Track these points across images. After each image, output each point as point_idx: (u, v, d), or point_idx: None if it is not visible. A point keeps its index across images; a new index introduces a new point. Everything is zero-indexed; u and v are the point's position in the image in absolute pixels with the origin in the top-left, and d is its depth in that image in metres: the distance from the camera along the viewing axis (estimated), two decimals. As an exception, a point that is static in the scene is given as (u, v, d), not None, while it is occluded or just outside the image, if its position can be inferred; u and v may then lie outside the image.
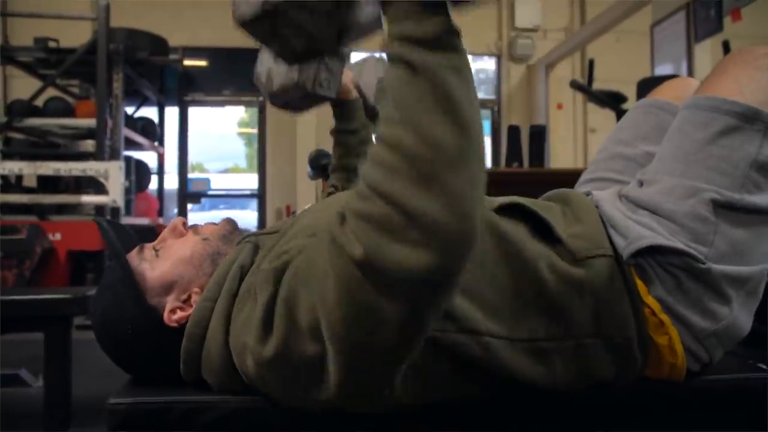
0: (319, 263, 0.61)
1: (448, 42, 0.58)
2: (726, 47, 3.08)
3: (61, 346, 1.69)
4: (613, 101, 3.29)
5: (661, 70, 3.98)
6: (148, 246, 0.87)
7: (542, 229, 0.79)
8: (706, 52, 3.67)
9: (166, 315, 0.81)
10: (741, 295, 0.79)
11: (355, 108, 1.21)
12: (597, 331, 0.75)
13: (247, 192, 6.61)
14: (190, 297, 0.83)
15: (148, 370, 0.86)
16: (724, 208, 0.78)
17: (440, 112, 0.56)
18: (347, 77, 1.17)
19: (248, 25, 0.66)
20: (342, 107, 1.21)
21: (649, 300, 0.77)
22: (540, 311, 0.74)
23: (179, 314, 0.81)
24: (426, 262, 0.55)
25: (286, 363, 0.67)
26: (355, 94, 1.20)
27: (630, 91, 3.33)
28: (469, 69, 0.60)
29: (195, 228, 0.90)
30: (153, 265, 0.84)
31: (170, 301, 0.82)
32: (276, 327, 0.66)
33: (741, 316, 0.80)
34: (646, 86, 3.07)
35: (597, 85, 3.58)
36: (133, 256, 0.86)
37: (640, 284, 0.77)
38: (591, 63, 3.60)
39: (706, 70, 3.57)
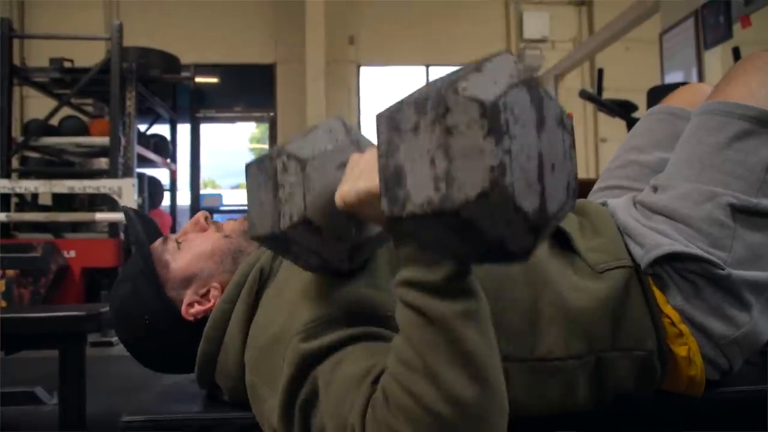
0: (337, 418, 0.59)
1: (461, 287, 0.55)
2: (736, 54, 3.06)
3: (75, 363, 1.69)
4: (624, 110, 3.28)
5: (671, 78, 3.95)
6: (171, 238, 0.88)
7: (561, 240, 0.79)
8: (717, 58, 3.65)
9: (183, 308, 0.82)
10: (761, 302, 0.78)
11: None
12: (616, 344, 0.74)
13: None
14: (208, 291, 0.83)
15: (161, 361, 0.86)
16: (741, 212, 0.78)
17: (459, 366, 0.53)
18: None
19: (262, 241, 0.66)
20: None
21: (668, 310, 0.76)
22: (560, 328, 0.73)
23: (197, 308, 0.82)
24: None
25: None
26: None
27: (640, 100, 3.32)
28: (485, 309, 0.57)
29: (217, 224, 0.90)
30: (174, 257, 0.85)
31: (189, 295, 0.83)
32: (295, 425, 0.65)
33: (761, 322, 0.78)
34: (657, 95, 3.05)
35: (607, 95, 3.57)
36: (155, 247, 0.86)
37: (658, 294, 0.77)
38: (600, 73, 3.59)
39: (716, 77, 3.53)
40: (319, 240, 0.63)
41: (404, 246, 0.56)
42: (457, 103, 0.46)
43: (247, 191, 0.67)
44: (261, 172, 0.65)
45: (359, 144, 0.66)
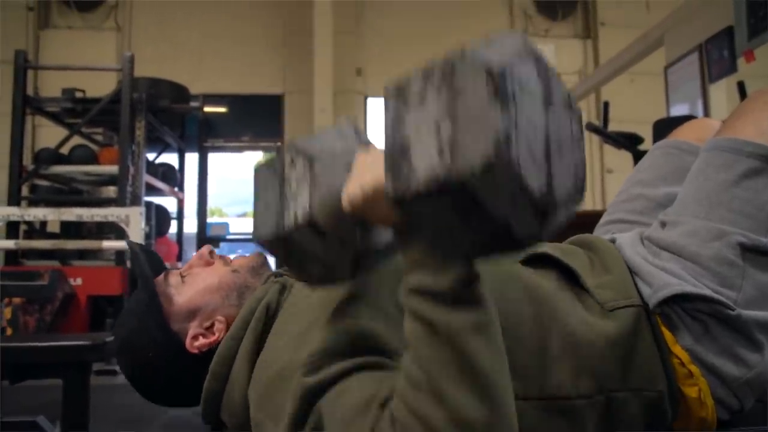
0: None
1: (470, 296, 0.53)
2: (741, 88, 3.08)
3: (79, 392, 1.68)
4: (630, 143, 3.29)
5: (677, 110, 3.98)
6: (175, 272, 0.88)
7: (570, 277, 0.78)
8: (722, 91, 3.67)
9: (188, 341, 0.81)
10: None
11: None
12: (626, 384, 0.73)
13: (265, 236, 6.63)
14: (213, 325, 0.83)
15: (165, 395, 0.85)
16: (751, 251, 0.77)
17: (467, 385, 0.51)
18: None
19: (264, 245, 0.65)
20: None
21: (677, 350, 0.75)
22: (569, 366, 0.72)
23: (201, 341, 0.81)
24: None
25: None
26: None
27: (646, 132, 3.33)
28: (495, 321, 0.55)
29: (225, 259, 0.90)
30: (179, 290, 0.85)
31: (193, 328, 0.82)
32: None
33: None
34: (662, 127, 3.06)
35: (612, 126, 3.58)
36: (159, 281, 0.86)
37: (667, 334, 0.76)
38: (606, 105, 3.61)
39: (721, 110, 3.56)
40: (323, 244, 0.60)
41: (410, 249, 0.54)
42: (465, 66, 0.46)
43: (254, 194, 0.66)
44: (269, 171, 0.64)
45: (368, 148, 0.64)
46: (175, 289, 0.85)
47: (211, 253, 0.90)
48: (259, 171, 0.66)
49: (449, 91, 0.46)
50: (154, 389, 0.85)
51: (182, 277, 0.86)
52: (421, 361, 0.53)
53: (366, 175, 0.55)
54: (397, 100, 0.51)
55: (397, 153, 0.50)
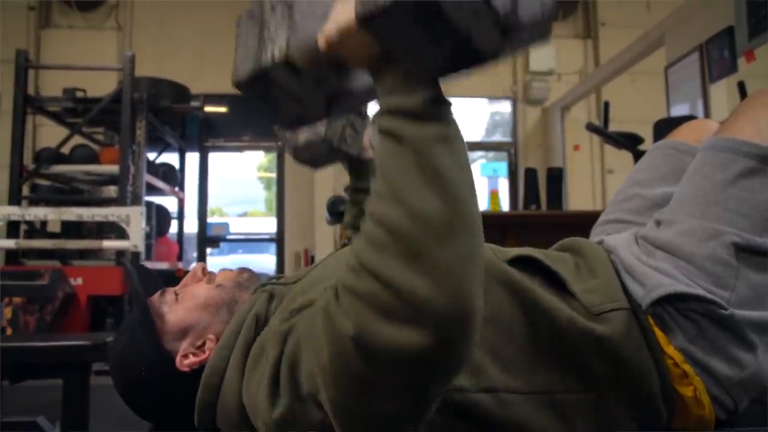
0: (317, 329, 0.60)
1: (437, 112, 0.57)
2: (741, 87, 3.08)
3: (79, 393, 1.68)
4: (630, 143, 3.29)
5: (677, 110, 3.98)
6: (170, 290, 0.89)
7: (556, 283, 0.78)
8: (722, 91, 3.67)
9: (178, 360, 0.82)
10: (765, 342, 0.77)
11: (370, 167, 1.20)
12: (618, 385, 0.73)
13: (266, 236, 6.66)
14: (204, 344, 0.83)
15: (159, 414, 0.85)
16: (745, 251, 0.77)
17: (426, 184, 0.54)
18: (365, 136, 1.18)
19: (243, 87, 0.67)
20: (359, 166, 1.19)
21: (670, 350, 0.75)
22: (557, 363, 0.72)
23: (191, 359, 0.82)
24: (418, 342, 0.52)
25: (292, 428, 0.65)
26: (371, 152, 1.20)
27: (646, 131, 3.33)
28: (460, 138, 0.58)
29: (210, 275, 0.91)
30: (172, 308, 0.85)
31: (184, 346, 0.83)
32: (282, 391, 0.65)
33: (766, 363, 0.77)
34: (663, 127, 3.07)
35: (613, 126, 3.58)
36: (154, 300, 0.87)
37: (659, 334, 0.76)
38: (606, 105, 3.61)
39: (722, 110, 3.56)
40: (299, 82, 0.64)
41: (382, 77, 0.58)
42: None
43: (236, 41, 0.68)
44: (251, 18, 0.67)
45: None
46: (168, 307, 0.86)
47: (203, 270, 0.91)
48: (241, 20, 0.69)
49: None
50: (146, 407, 0.86)
51: (176, 295, 0.87)
52: (386, 174, 0.56)
53: (341, 14, 0.58)
54: None
55: None
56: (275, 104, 0.69)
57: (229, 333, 0.80)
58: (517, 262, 0.79)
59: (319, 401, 0.61)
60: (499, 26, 0.50)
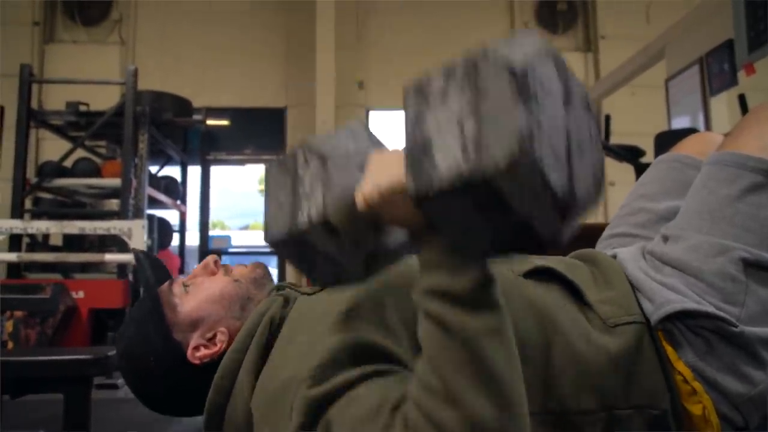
0: None
1: (486, 299, 0.54)
2: (742, 100, 3.09)
3: (80, 407, 1.67)
4: (631, 155, 3.30)
5: (678, 123, 3.99)
6: (179, 281, 0.88)
7: (573, 292, 0.78)
8: (723, 104, 3.68)
9: (189, 351, 0.81)
10: None
11: None
12: (628, 401, 0.73)
13: (268, 249, 6.63)
14: (215, 336, 0.82)
15: (165, 404, 0.85)
16: (753, 267, 0.77)
17: (481, 388, 0.51)
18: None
19: (278, 246, 0.64)
20: None
21: (680, 366, 0.75)
22: (570, 381, 0.72)
23: (203, 351, 0.81)
24: None
25: None
26: None
27: (647, 144, 3.34)
28: (508, 326, 0.55)
29: (226, 268, 0.90)
30: (182, 300, 0.85)
31: (195, 338, 0.82)
32: None
33: None
34: (664, 140, 3.07)
35: (614, 139, 3.59)
36: (164, 290, 0.86)
37: (669, 350, 0.75)
38: (607, 118, 3.62)
39: (723, 123, 3.57)
40: (336, 244, 0.60)
41: (427, 250, 0.54)
42: (487, 65, 0.46)
43: (266, 193, 0.65)
44: (282, 170, 0.63)
45: (381, 148, 0.65)
46: (178, 299, 0.85)
47: (215, 262, 0.90)
48: (272, 170, 0.65)
49: (472, 90, 0.47)
50: (154, 398, 0.85)
51: (186, 286, 0.86)
52: (436, 365, 0.53)
53: (382, 174, 0.55)
54: (418, 98, 0.51)
55: (418, 151, 0.50)
56: (310, 264, 0.65)
57: (242, 335, 0.79)
58: (534, 273, 0.79)
59: None
60: (558, 208, 0.47)
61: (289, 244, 0.63)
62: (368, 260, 0.63)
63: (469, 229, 0.51)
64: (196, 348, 0.82)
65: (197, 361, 0.81)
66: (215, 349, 0.81)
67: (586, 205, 0.50)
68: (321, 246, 0.61)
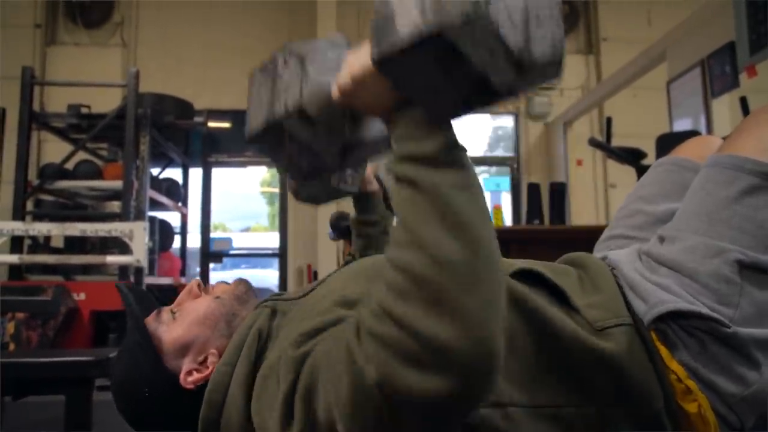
0: (337, 365, 0.59)
1: (453, 158, 0.58)
2: (743, 102, 3.09)
3: (81, 409, 1.67)
4: (633, 158, 3.29)
5: (680, 125, 3.99)
6: (166, 309, 0.88)
7: (559, 297, 0.78)
8: (725, 106, 3.68)
9: (182, 377, 0.82)
10: None
11: (375, 200, 1.18)
12: (621, 401, 0.73)
13: (269, 251, 6.66)
14: (206, 359, 0.83)
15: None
16: (749, 269, 0.77)
17: (447, 231, 0.54)
18: (367, 168, 1.17)
19: (256, 140, 0.68)
20: (362, 199, 1.16)
21: (674, 365, 0.75)
22: (560, 377, 0.72)
23: (195, 376, 0.81)
24: (442, 389, 0.52)
25: None
26: (375, 185, 1.18)
27: (648, 146, 3.33)
28: (477, 184, 0.59)
29: (206, 288, 0.91)
30: (170, 327, 0.85)
31: (186, 363, 0.83)
32: (296, 417, 0.64)
33: None
34: (665, 142, 3.07)
35: (616, 141, 3.59)
36: (150, 320, 0.87)
37: (662, 349, 0.75)
38: (609, 121, 3.62)
39: (724, 125, 3.57)
40: (312, 133, 0.64)
41: (397, 124, 0.59)
42: None
43: (249, 96, 0.69)
44: (263, 72, 0.67)
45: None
46: (166, 326, 0.86)
47: (198, 286, 0.91)
48: (254, 74, 0.69)
49: None
50: (153, 427, 0.85)
51: (173, 313, 0.87)
52: (406, 222, 0.56)
53: (354, 66, 0.60)
54: None
55: (381, 22, 0.54)
56: (288, 156, 0.68)
57: (231, 349, 0.79)
58: (520, 275, 0.79)
59: (334, 430, 0.60)
60: (513, 63, 0.52)
61: (267, 135, 0.66)
62: (343, 150, 0.67)
63: (431, 87, 0.56)
64: (189, 373, 0.82)
65: (191, 386, 0.81)
66: (207, 372, 0.82)
67: (543, 68, 0.55)
68: (297, 135, 0.65)
